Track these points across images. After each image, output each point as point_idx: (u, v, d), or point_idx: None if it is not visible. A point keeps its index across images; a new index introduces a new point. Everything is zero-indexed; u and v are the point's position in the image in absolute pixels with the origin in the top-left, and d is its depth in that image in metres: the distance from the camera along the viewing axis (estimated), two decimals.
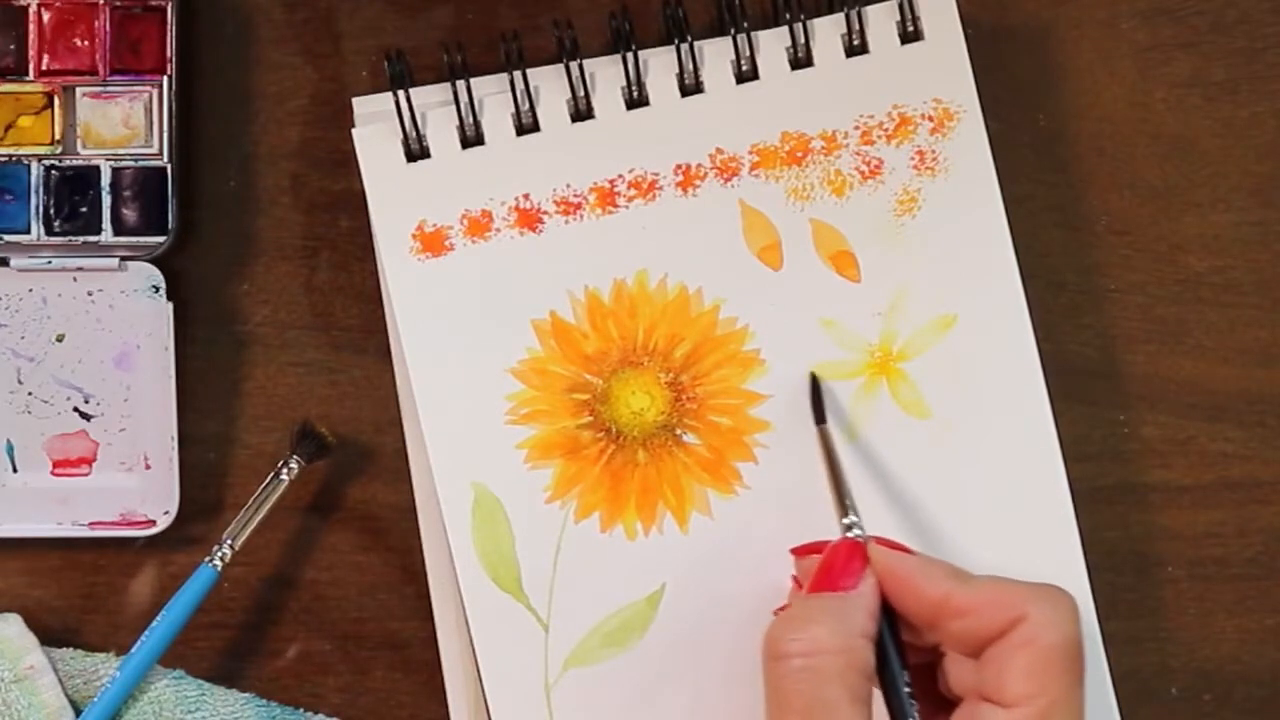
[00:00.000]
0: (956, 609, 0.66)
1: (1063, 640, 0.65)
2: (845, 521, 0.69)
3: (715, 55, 0.74)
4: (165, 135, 0.74)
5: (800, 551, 0.71)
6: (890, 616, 0.67)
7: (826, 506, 0.73)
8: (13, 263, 0.74)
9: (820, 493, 0.73)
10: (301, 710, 0.75)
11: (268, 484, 0.74)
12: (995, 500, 0.73)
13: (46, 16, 0.74)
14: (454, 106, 0.73)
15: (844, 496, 0.70)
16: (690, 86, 0.74)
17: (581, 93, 0.73)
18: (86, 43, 0.74)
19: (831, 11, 0.74)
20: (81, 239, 0.74)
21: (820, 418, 0.72)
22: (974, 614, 0.66)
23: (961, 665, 0.67)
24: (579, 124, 0.73)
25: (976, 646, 0.66)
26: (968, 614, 0.66)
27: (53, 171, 0.74)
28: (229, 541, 0.73)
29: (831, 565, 0.68)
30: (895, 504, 0.73)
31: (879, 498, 0.73)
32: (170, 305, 0.74)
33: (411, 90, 0.72)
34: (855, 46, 0.74)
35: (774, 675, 0.66)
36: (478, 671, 0.73)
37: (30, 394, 0.75)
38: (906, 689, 0.66)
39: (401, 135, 0.73)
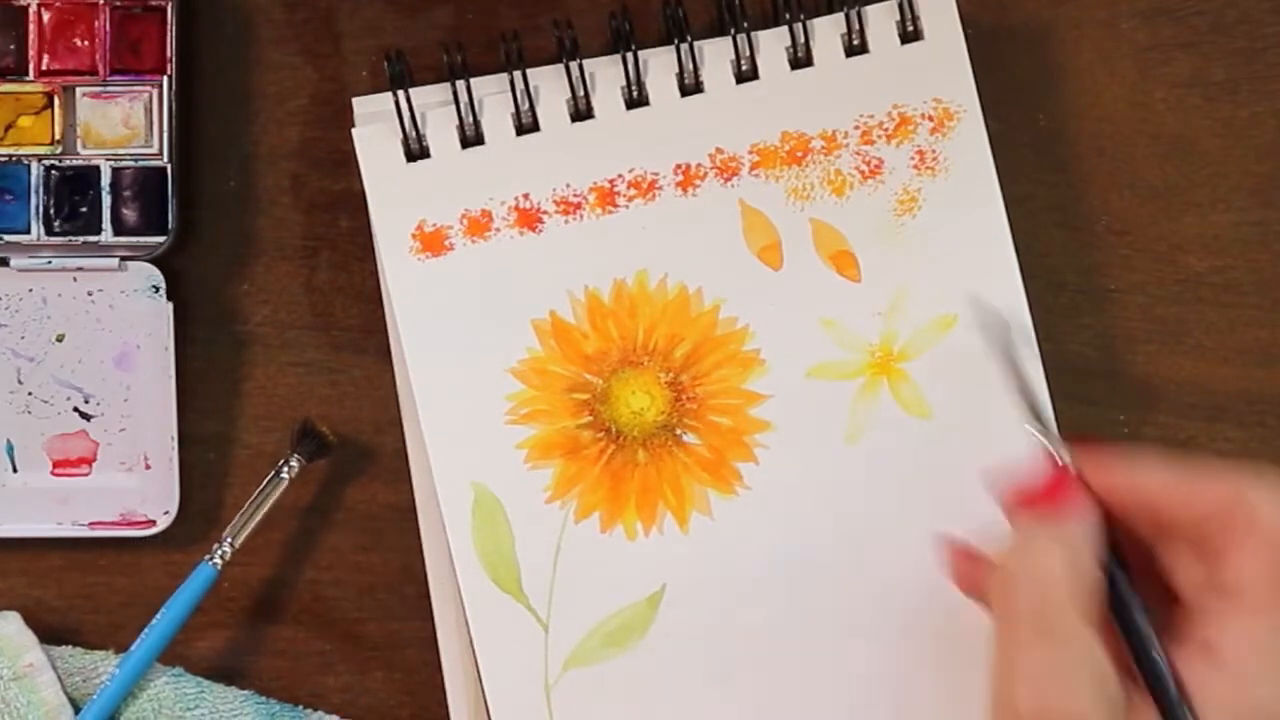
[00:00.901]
0: (1188, 498, 0.65)
1: None
2: (1039, 428, 0.68)
3: (715, 55, 0.74)
4: (165, 135, 0.74)
5: (955, 552, 0.70)
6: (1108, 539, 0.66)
7: (826, 507, 0.73)
8: (13, 263, 0.74)
9: (820, 493, 0.73)
10: (301, 708, 0.75)
11: (268, 484, 0.74)
12: (995, 500, 0.73)
13: (46, 16, 0.74)
14: (454, 106, 0.73)
15: (1034, 408, 0.68)
16: (690, 86, 0.74)
17: (581, 93, 0.73)
18: (86, 43, 0.74)
19: (831, 11, 0.74)
20: (81, 239, 0.74)
21: (991, 340, 0.70)
22: (1203, 501, 0.65)
23: (1182, 558, 0.66)
24: (579, 124, 0.73)
25: (1205, 539, 0.65)
26: (1198, 503, 0.65)
27: (53, 171, 0.74)
28: (229, 541, 0.73)
29: (1056, 483, 0.66)
30: (895, 504, 0.73)
31: (879, 498, 0.73)
32: (170, 305, 0.74)
33: (411, 90, 0.72)
34: (855, 46, 0.74)
35: (1003, 597, 0.65)
36: (478, 671, 0.73)
37: (30, 394, 0.75)
38: (1141, 615, 0.65)
39: (401, 135, 0.73)
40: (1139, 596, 0.66)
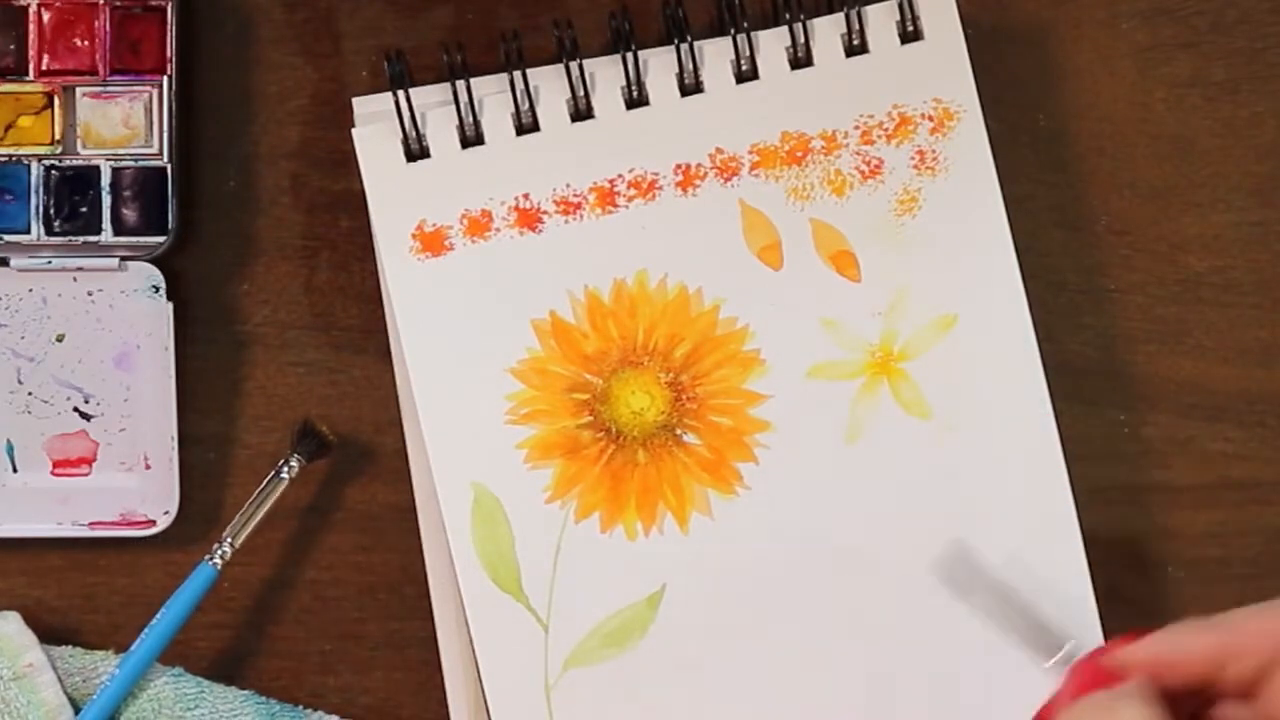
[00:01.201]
0: (1227, 657, 0.63)
1: None
2: (1061, 656, 0.67)
3: (715, 55, 0.74)
4: (165, 135, 0.74)
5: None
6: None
7: (826, 507, 0.73)
8: (13, 263, 0.74)
9: (819, 493, 0.73)
10: (301, 708, 0.75)
11: (268, 484, 0.74)
12: (996, 500, 0.73)
13: (46, 16, 0.74)
14: (454, 106, 0.73)
15: (1044, 638, 0.68)
16: (690, 86, 0.74)
17: (581, 92, 0.73)
18: (86, 43, 0.74)
19: (831, 11, 0.74)
20: (81, 239, 0.74)
21: (969, 590, 0.71)
22: (1245, 654, 0.63)
23: (1231, 705, 0.65)
24: (579, 124, 0.73)
25: (1251, 684, 0.63)
26: (1240, 656, 0.63)
27: (53, 171, 0.74)
28: (229, 541, 0.73)
29: (1084, 683, 0.64)
30: (895, 504, 0.73)
31: (879, 498, 0.73)
32: (170, 305, 0.74)
33: (411, 90, 0.72)
34: (855, 46, 0.74)
35: None
36: (478, 671, 0.73)
37: (30, 394, 0.75)
38: None
39: (401, 135, 0.73)
40: None
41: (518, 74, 0.73)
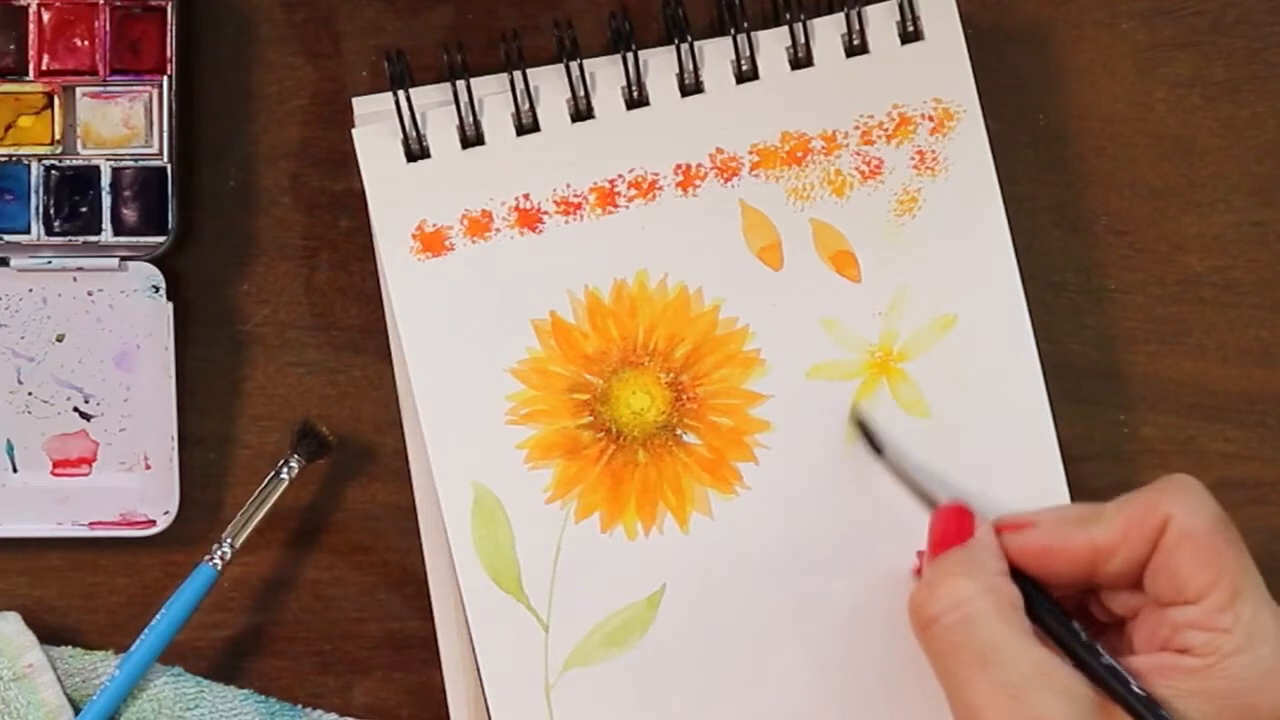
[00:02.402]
0: (1104, 553, 0.66)
1: (1212, 518, 0.66)
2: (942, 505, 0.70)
3: (715, 55, 0.74)
4: (165, 135, 0.74)
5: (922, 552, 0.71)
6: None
7: (826, 507, 0.73)
8: (13, 263, 0.74)
9: (819, 493, 0.73)
10: (301, 707, 0.75)
11: (268, 484, 0.74)
12: (995, 500, 0.73)
13: (46, 16, 0.74)
14: (454, 106, 0.73)
15: (930, 497, 0.71)
16: (690, 86, 0.74)
17: (581, 93, 0.73)
18: (86, 43, 0.74)
19: (831, 11, 0.74)
20: (81, 239, 0.74)
21: (879, 450, 0.72)
22: (1122, 546, 0.66)
23: (1116, 591, 0.68)
24: (579, 124, 0.73)
25: (1134, 573, 0.66)
26: (1116, 550, 0.66)
27: (53, 171, 0.74)
28: (229, 541, 0.73)
29: (944, 528, 0.68)
30: (895, 504, 0.73)
31: (878, 498, 0.73)
32: (170, 305, 0.74)
33: (411, 90, 0.72)
34: (855, 46, 0.74)
35: (932, 642, 0.66)
36: (478, 671, 0.73)
37: (30, 394, 0.75)
38: (1064, 618, 0.67)
39: (401, 135, 0.73)
40: (1061, 608, 0.67)
41: (518, 74, 0.73)
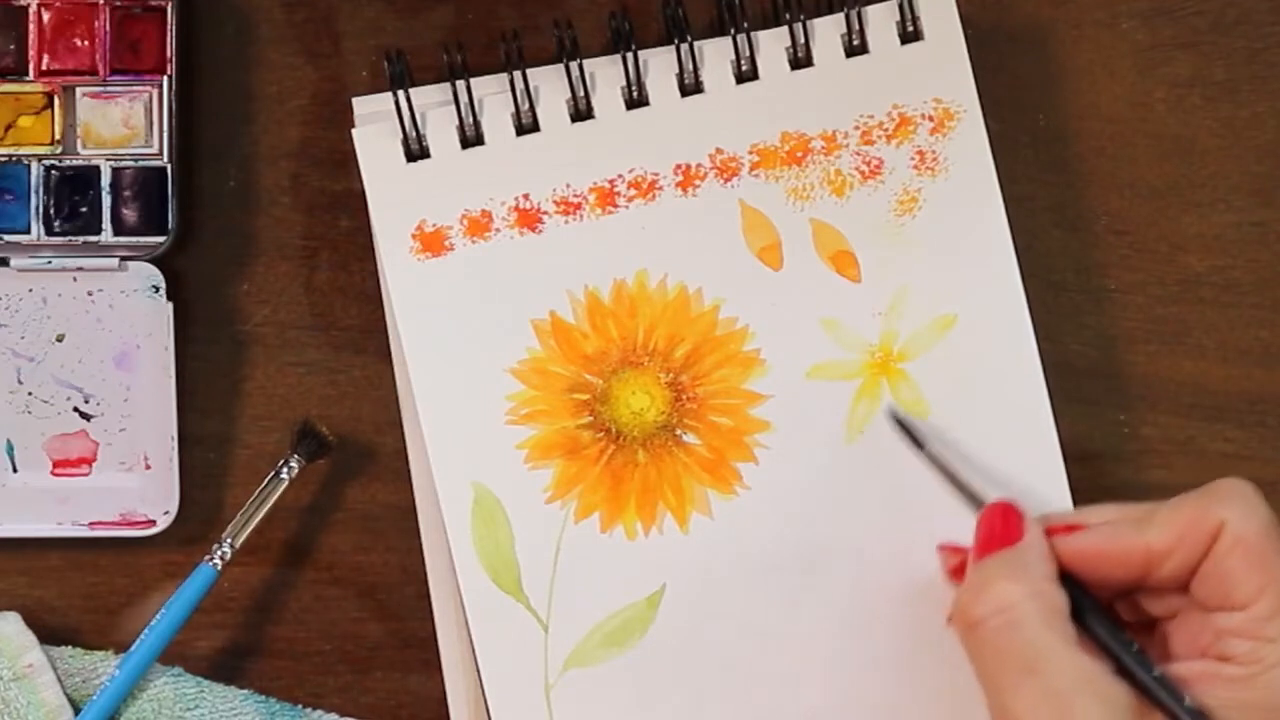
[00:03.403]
0: (1158, 558, 0.66)
1: (1265, 523, 0.65)
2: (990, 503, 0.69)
3: (715, 55, 0.74)
4: (165, 135, 0.74)
5: (947, 548, 0.71)
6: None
7: (826, 507, 0.73)
8: (13, 263, 0.74)
9: (819, 493, 0.73)
10: (300, 707, 0.75)
11: (268, 484, 0.74)
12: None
13: (46, 16, 0.74)
14: (454, 106, 0.73)
15: (975, 496, 0.70)
16: (690, 86, 0.74)
17: (581, 93, 0.73)
18: (86, 43, 0.74)
19: (831, 11, 0.74)
20: (81, 239, 0.74)
21: (920, 444, 0.72)
22: (1176, 551, 0.66)
23: (1159, 593, 0.67)
24: (579, 124, 0.73)
25: (1185, 577, 0.66)
26: (1170, 555, 0.66)
27: (53, 171, 0.74)
28: (229, 541, 0.73)
29: (991, 526, 0.68)
30: (895, 504, 0.73)
31: (878, 498, 0.73)
32: (170, 305, 0.74)
33: (411, 90, 0.72)
34: (855, 46, 0.74)
35: (976, 645, 0.65)
36: (478, 671, 0.73)
37: (30, 394, 0.75)
38: (1114, 625, 0.66)
39: (401, 135, 0.73)
40: (1110, 614, 0.66)
41: (518, 74, 0.73)
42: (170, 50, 0.74)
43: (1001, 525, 0.68)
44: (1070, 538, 0.67)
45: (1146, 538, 0.66)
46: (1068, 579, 0.67)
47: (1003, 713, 0.64)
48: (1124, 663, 0.65)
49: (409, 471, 0.74)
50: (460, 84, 0.73)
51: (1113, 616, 0.67)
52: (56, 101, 0.74)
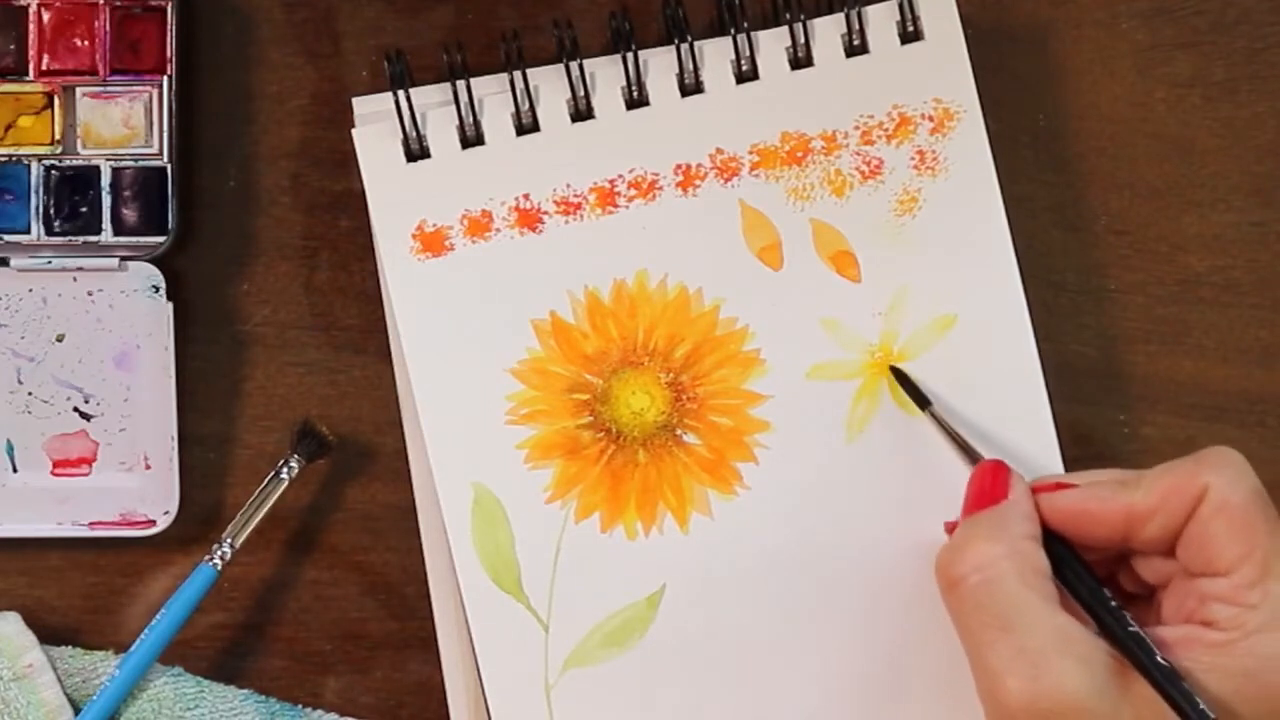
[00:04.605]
0: (1141, 518, 0.66)
1: (1251, 491, 0.66)
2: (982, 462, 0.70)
3: (715, 55, 0.74)
4: (165, 135, 0.74)
5: (952, 525, 0.71)
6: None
7: (826, 507, 0.73)
8: (13, 263, 0.74)
9: (819, 493, 0.73)
10: (300, 707, 0.75)
11: (268, 484, 0.74)
12: None
13: (46, 16, 0.74)
14: (454, 106, 0.73)
15: (971, 453, 0.71)
16: (690, 86, 0.74)
17: (581, 93, 0.73)
18: (86, 43, 0.74)
19: (831, 11, 0.74)
20: (81, 239, 0.74)
21: (923, 403, 0.72)
22: (1159, 512, 0.66)
23: (1149, 558, 0.68)
24: (579, 124, 0.73)
25: (1169, 540, 0.67)
26: (1153, 516, 0.66)
27: (53, 171, 0.74)
28: (229, 541, 0.73)
29: (979, 486, 0.69)
30: (895, 504, 0.73)
31: (879, 498, 0.73)
32: (170, 305, 0.74)
33: (411, 90, 0.72)
34: (855, 46, 0.74)
35: (956, 602, 0.66)
36: (478, 671, 0.73)
37: (30, 394, 0.75)
38: (1094, 583, 0.67)
39: (401, 135, 0.73)
40: (1092, 573, 0.67)
41: (518, 74, 0.73)
42: (170, 50, 0.74)
43: (990, 484, 0.68)
44: (1055, 495, 0.68)
45: (1129, 497, 0.67)
46: (1054, 539, 0.67)
47: (983, 671, 0.65)
48: (1102, 620, 0.66)
49: (409, 471, 0.74)
50: (460, 84, 0.73)
51: (1106, 582, 0.68)
52: (56, 101, 0.74)
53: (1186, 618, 0.66)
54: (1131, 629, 0.65)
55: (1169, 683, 0.64)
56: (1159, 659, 0.64)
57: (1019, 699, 0.64)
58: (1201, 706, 0.63)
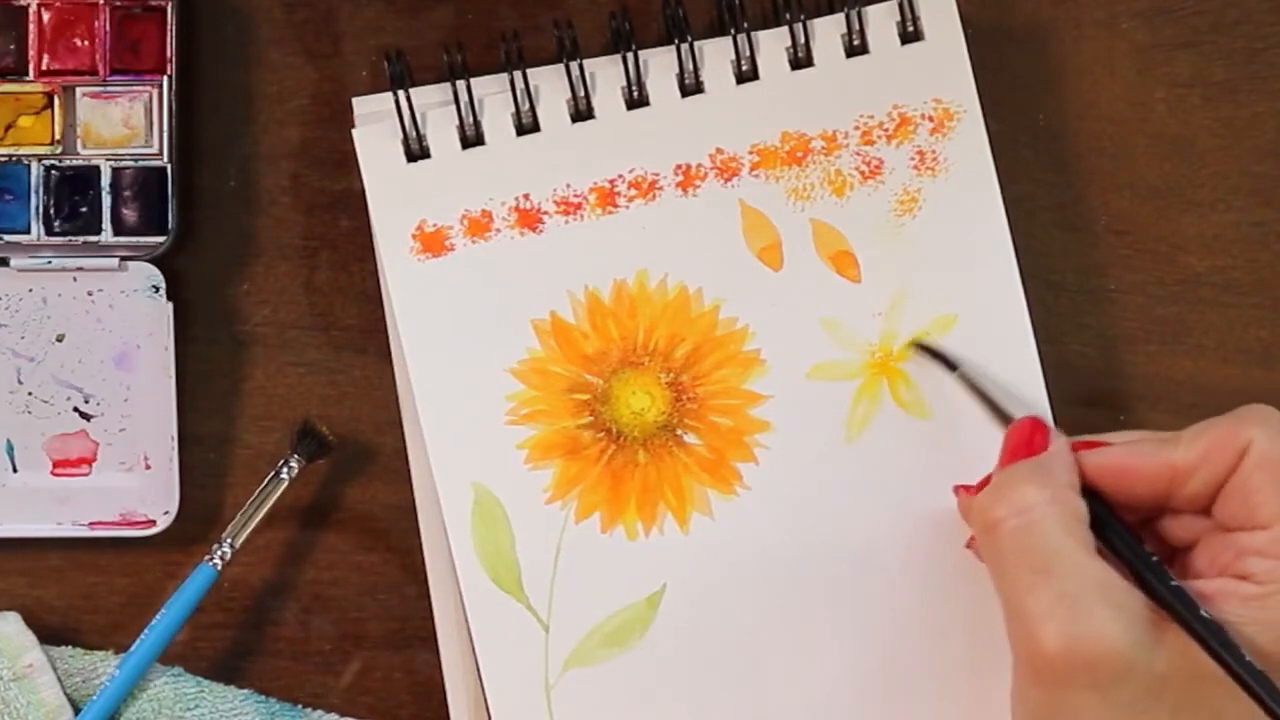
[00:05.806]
0: (1183, 474, 0.66)
1: None
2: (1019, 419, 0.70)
3: (715, 55, 0.74)
4: (165, 135, 0.74)
5: (960, 487, 0.71)
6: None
7: (826, 507, 0.73)
8: (13, 263, 0.74)
9: (819, 493, 0.73)
10: (300, 707, 0.75)
11: (268, 484, 0.74)
12: None
13: (46, 16, 0.74)
14: (454, 106, 0.73)
15: (1006, 412, 0.70)
16: (690, 86, 0.74)
17: (581, 93, 0.73)
18: (86, 43, 0.74)
19: (831, 11, 0.74)
20: (81, 239, 0.74)
21: (952, 365, 0.72)
22: (1201, 468, 0.66)
23: (1179, 517, 0.68)
24: (579, 124, 0.73)
25: (1209, 496, 0.66)
26: (1194, 472, 0.66)
27: (53, 171, 0.74)
28: (229, 541, 0.73)
29: (1018, 439, 0.68)
30: (895, 504, 0.73)
31: (879, 498, 0.73)
32: (170, 305, 0.74)
33: (411, 90, 0.72)
34: (855, 46, 0.74)
35: (993, 545, 0.66)
36: (478, 671, 0.73)
37: (30, 394, 0.75)
38: (1133, 539, 0.66)
39: (401, 135, 0.73)
40: (1129, 529, 0.67)
41: (518, 74, 0.73)
42: (170, 50, 0.74)
43: (1029, 437, 0.68)
44: (1095, 452, 0.68)
45: (1171, 454, 0.67)
46: (1090, 495, 0.67)
47: (1018, 615, 0.64)
48: (1142, 575, 0.66)
49: (409, 471, 0.74)
50: (460, 84, 0.73)
51: (1135, 535, 0.68)
52: (56, 101, 0.74)
53: (1220, 571, 0.66)
54: (1174, 583, 0.65)
55: (1213, 636, 0.64)
56: (1203, 613, 0.64)
57: (1056, 644, 0.63)
58: (1248, 659, 0.63)
